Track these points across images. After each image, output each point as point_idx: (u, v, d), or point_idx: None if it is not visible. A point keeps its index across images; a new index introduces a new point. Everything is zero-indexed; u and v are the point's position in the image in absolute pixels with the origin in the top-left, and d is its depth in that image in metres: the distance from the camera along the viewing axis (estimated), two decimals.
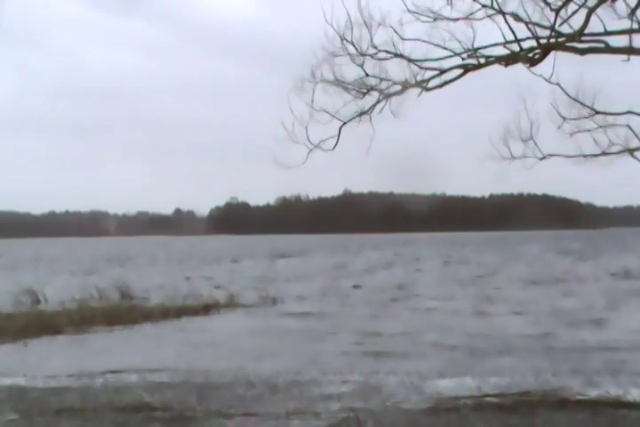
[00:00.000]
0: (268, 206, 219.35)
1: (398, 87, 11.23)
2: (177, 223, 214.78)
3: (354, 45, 11.11)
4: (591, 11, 10.23)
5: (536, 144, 11.84)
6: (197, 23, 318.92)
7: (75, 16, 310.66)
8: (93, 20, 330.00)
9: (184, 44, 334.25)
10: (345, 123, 11.51)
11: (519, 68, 11.03)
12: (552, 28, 10.58)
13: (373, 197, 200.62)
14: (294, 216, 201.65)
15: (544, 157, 11.97)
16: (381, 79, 11.27)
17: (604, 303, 24.03)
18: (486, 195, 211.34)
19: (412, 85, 11.18)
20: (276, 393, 10.95)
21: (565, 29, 10.64)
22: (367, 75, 11.29)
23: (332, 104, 11.52)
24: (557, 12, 10.42)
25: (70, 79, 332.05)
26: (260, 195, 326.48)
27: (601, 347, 15.64)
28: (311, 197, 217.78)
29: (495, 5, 10.65)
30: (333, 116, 11.44)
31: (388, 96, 11.27)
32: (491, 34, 11.04)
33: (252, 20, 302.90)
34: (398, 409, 9.81)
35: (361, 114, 11.42)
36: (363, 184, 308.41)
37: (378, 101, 11.32)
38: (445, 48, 11.03)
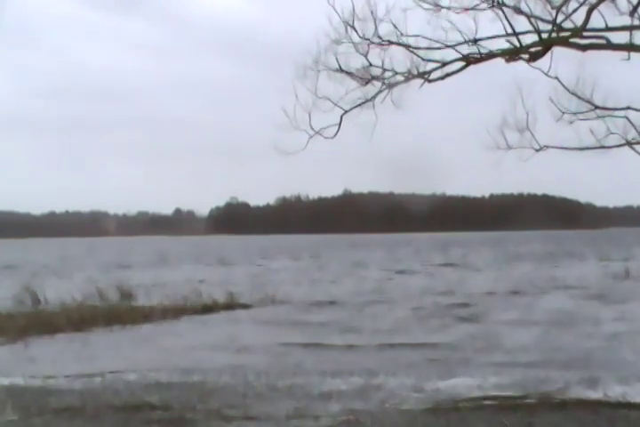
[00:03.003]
0: (267, 206, 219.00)
1: (401, 78, 11.20)
2: (177, 223, 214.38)
3: (357, 33, 11.08)
4: (592, 8, 10.20)
5: (532, 134, 11.71)
6: (197, 23, 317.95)
7: (74, 16, 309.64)
8: (93, 20, 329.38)
9: (184, 44, 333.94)
10: (346, 111, 11.47)
11: (518, 63, 10.98)
12: (554, 22, 10.52)
13: (373, 197, 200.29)
14: (294, 216, 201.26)
15: (541, 149, 11.80)
16: (384, 69, 11.24)
17: (603, 304, 24.01)
18: (486, 195, 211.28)
19: (415, 76, 11.14)
20: (276, 394, 10.91)
21: (567, 24, 10.60)
22: (370, 64, 11.27)
23: (334, 93, 11.51)
24: (558, 9, 10.39)
25: (70, 79, 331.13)
26: (260, 195, 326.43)
27: (601, 348, 15.62)
28: (311, 197, 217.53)
29: None
30: (335, 104, 11.42)
31: (390, 86, 11.23)
32: (493, 28, 10.99)
33: (251, 19, 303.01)
34: (398, 410, 9.77)
35: (363, 102, 11.38)
36: (363, 184, 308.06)
37: (380, 91, 11.29)
38: (447, 40, 11.00)
